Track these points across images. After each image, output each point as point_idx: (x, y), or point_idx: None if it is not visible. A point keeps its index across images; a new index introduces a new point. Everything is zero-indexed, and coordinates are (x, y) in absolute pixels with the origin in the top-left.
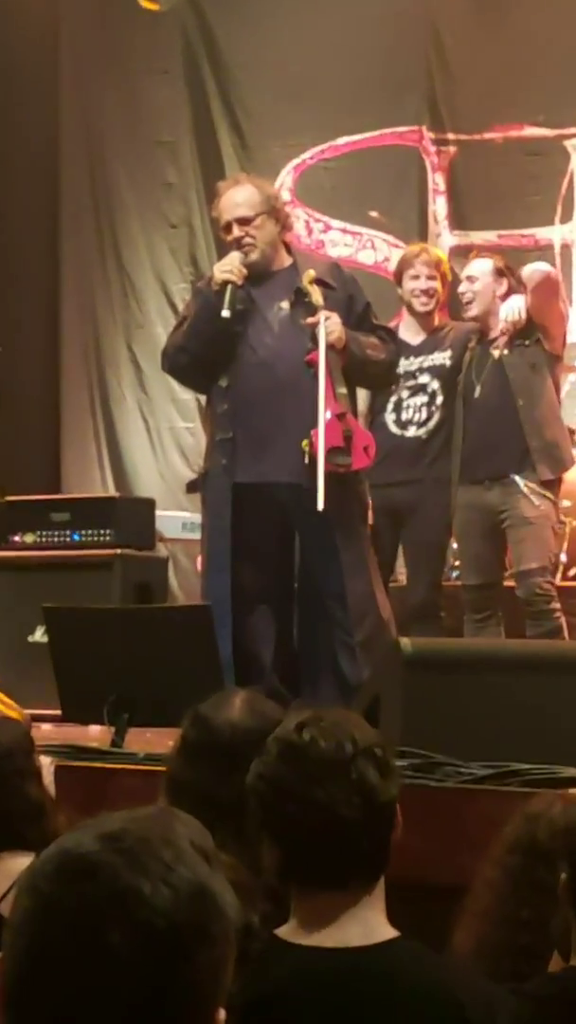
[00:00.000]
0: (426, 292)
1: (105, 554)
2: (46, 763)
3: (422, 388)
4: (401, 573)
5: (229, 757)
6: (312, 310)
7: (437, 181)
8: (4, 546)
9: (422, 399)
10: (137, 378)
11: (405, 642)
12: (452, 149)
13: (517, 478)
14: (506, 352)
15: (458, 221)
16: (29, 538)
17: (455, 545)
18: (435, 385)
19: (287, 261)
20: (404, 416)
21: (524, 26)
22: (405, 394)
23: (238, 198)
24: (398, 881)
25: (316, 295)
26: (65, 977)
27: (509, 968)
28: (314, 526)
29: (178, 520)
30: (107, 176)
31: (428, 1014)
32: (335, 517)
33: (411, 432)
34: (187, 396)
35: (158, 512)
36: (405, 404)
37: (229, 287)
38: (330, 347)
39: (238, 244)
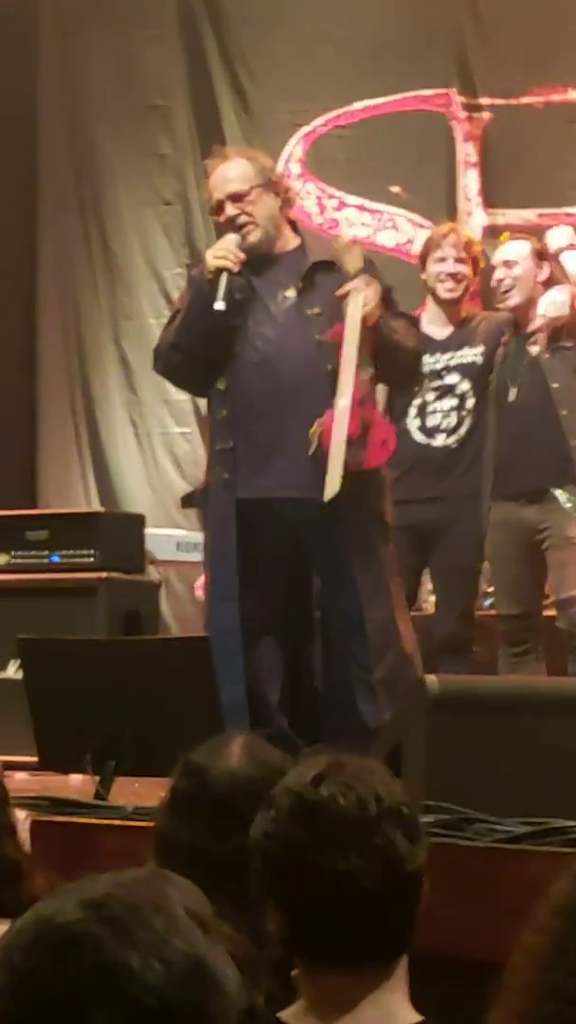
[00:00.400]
0: (453, 276)
1: (88, 578)
2: (21, 817)
3: (450, 389)
4: (427, 601)
5: (227, 811)
6: (331, 293)
7: (468, 152)
8: None
9: (451, 402)
10: (125, 377)
11: (431, 680)
12: (485, 115)
13: (558, 493)
14: (546, 355)
15: (492, 198)
16: (1, 559)
17: (487, 568)
18: (465, 386)
19: (293, 242)
20: (430, 422)
21: None
22: (431, 397)
23: (229, 173)
24: (423, 955)
25: (353, 259)
26: None
27: None
28: (327, 546)
29: (172, 539)
30: (91, 146)
31: None
32: (351, 535)
33: (439, 441)
34: (182, 397)
35: (148, 530)
36: (431, 408)
37: (224, 275)
38: (362, 320)
39: (233, 224)
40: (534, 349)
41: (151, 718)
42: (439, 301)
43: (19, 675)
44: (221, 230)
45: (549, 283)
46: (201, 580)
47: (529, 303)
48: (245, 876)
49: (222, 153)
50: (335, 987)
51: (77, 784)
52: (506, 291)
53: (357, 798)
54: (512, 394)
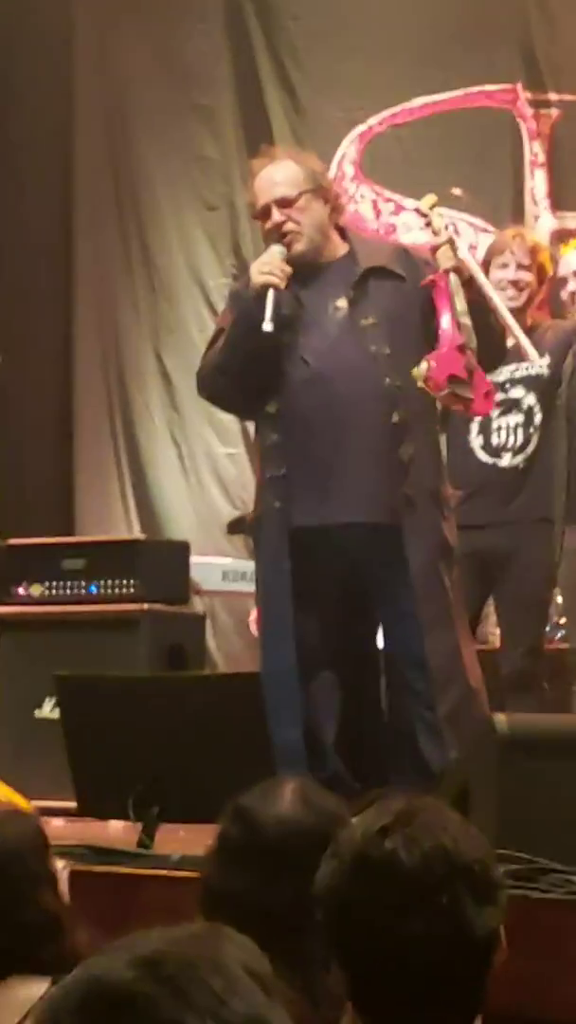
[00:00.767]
0: (515, 284)
1: (129, 610)
2: (59, 867)
3: (515, 404)
4: (492, 634)
5: (279, 860)
6: (385, 301)
7: (535, 151)
8: (6, 600)
9: (516, 418)
10: (167, 394)
11: (500, 719)
12: (554, 112)
13: None
14: None
15: (561, 200)
16: (36, 590)
17: (559, 599)
18: (531, 400)
19: (342, 249)
20: (496, 440)
21: None
22: (495, 412)
23: (276, 176)
24: (494, 1014)
25: (437, 218)
26: None
27: None
28: (389, 573)
29: (218, 568)
30: (130, 147)
31: None
32: (416, 560)
33: (505, 461)
34: (228, 416)
35: (193, 558)
36: (496, 425)
37: (270, 293)
38: (454, 270)
39: (279, 232)
40: None
41: (197, 760)
42: None
43: (56, 714)
44: (266, 236)
45: None
46: (255, 614)
47: None
48: (299, 930)
49: (270, 153)
50: None
51: (118, 831)
52: None
53: (422, 855)
54: None
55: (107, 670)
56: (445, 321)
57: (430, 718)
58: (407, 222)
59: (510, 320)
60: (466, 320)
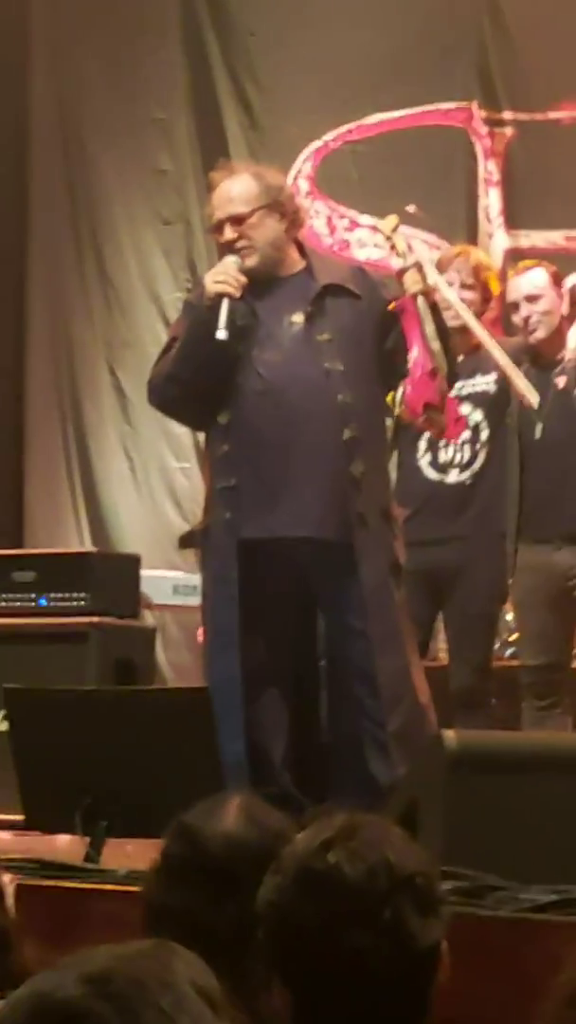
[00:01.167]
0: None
1: (78, 623)
2: (5, 881)
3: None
4: (442, 651)
5: (222, 877)
6: (342, 318)
7: (490, 169)
8: None
9: (464, 435)
10: (121, 407)
11: (449, 735)
12: (508, 131)
13: None
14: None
15: (515, 219)
16: None
17: (509, 616)
18: (478, 416)
19: (299, 264)
20: (442, 457)
21: None
22: None
23: (231, 191)
24: None
25: (400, 241)
26: None
27: None
28: (338, 589)
29: (169, 582)
30: (86, 161)
31: None
32: (366, 577)
33: (452, 477)
34: (181, 430)
35: (144, 572)
36: (443, 442)
37: (225, 301)
38: (422, 294)
39: (230, 248)
40: (561, 381)
41: (146, 775)
42: None
43: (4, 727)
44: (220, 251)
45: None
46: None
47: (554, 333)
48: (242, 948)
49: (229, 167)
50: None
51: (66, 845)
52: (533, 329)
53: (366, 868)
54: (538, 430)
55: (56, 683)
56: (415, 347)
57: (379, 734)
58: (361, 238)
59: (489, 342)
60: (435, 345)
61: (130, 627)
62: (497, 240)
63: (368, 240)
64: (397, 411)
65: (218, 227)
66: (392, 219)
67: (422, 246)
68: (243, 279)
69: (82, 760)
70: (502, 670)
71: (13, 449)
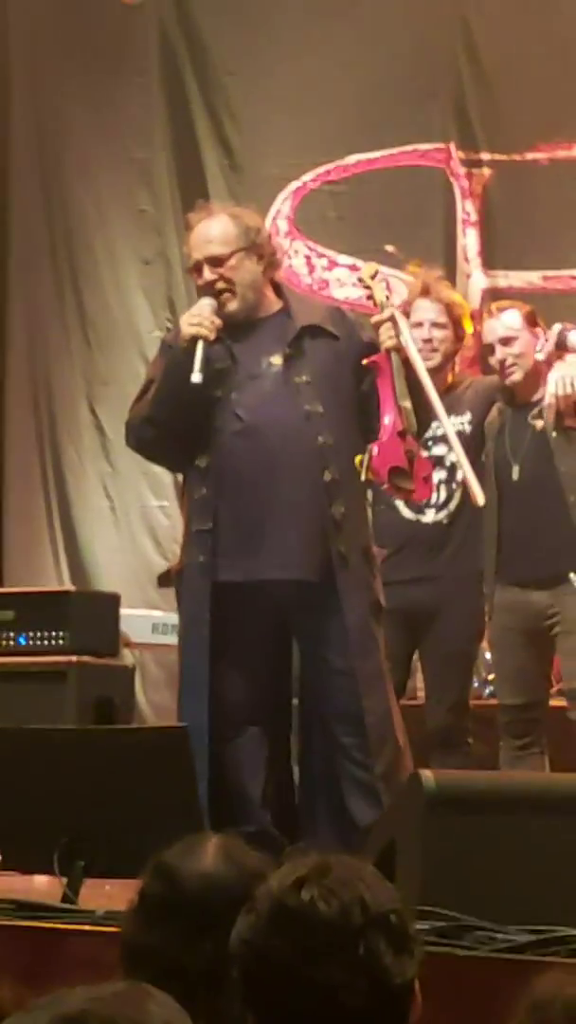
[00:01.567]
0: (429, 343)
1: (57, 661)
2: None
3: (438, 461)
4: (420, 689)
5: (199, 917)
6: (321, 359)
7: (468, 210)
8: None
9: (439, 475)
10: (101, 446)
11: (427, 775)
12: (486, 171)
13: (573, 576)
14: (554, 434)
15: (493, 259)
16: None
17: (487, 655)
18: (453, 457)
19: (276, 305)
20: None
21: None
22: None
23: (210, 233)
24: None
25: (379, 291)
26: None
27: None
28: (320, 631)
29: (148, 620)
30: (66, 199)
31: None
32: (351, 618)
33: (429, 517)
34: (161, 468)
35: (123, 610)
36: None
37: (200, 344)
38: (395, 349)
39: (210, 290)
40: (538, 424)
41: (124, 815)
42: None
43: None
44: (199, 292)
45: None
46: None
47: (530, 374)
48: (220, 988)
49: (206, 208)
50: None
51: (43, 885)
52: (510, 372)
53: (340, 905)
54: (515, 472)
55: (35, 722)
56: (386, 408)
57: (361, 775)
58: (340, 277)
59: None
60: (406, 403)
61: (109, 666)
62: (475, 280)
63: (347, 279)
64: (364, 476)
65: (196, 268)
66: (371, 267)
67: (401, 286)
68: (218, 322)
69: (60, 800)
70: (480, 709)
71: None
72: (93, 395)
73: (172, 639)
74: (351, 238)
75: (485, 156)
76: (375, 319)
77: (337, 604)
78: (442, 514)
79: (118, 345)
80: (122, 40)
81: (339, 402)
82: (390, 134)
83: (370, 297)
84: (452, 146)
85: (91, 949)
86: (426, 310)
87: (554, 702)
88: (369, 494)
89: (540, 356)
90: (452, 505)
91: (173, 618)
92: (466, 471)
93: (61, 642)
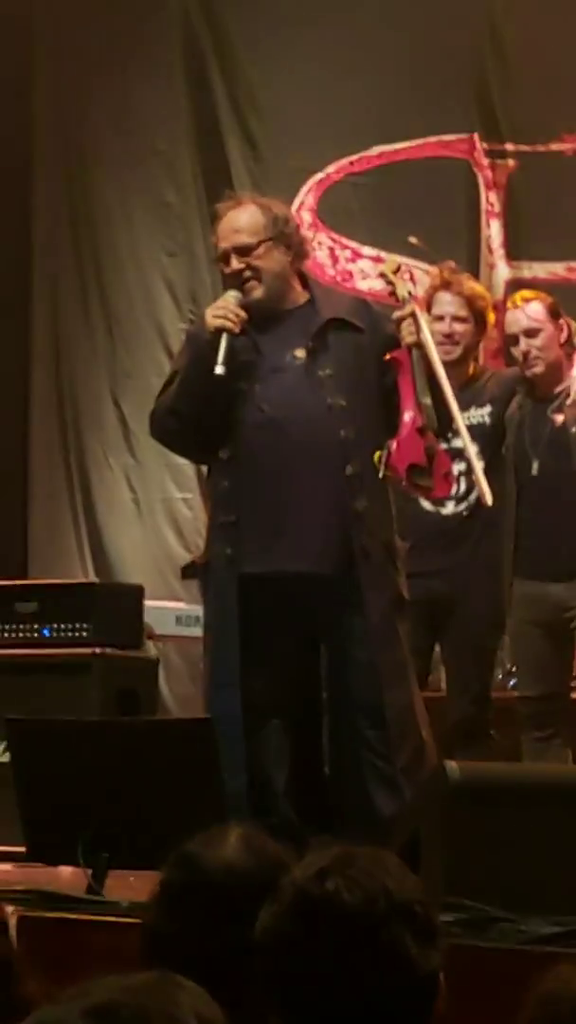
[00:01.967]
0: (450, 337)
1: (81, 654)
2: (7, 913)
3: (458, 453)
4: (441, 681)
5: (221, 905)
6: (344, 353)
7: (492, 201)
8: None
9: (459, 466)
10: (124, 439)
11: (451, 767)
12: (511, 162)
13: None
14: (574, 430)
15: (516, 250)
16: None
17: (510, 646)
18: (473, 448)
19: (303, 298)
20: None
21: None
22: None
23: (238, 222)
24: None
25: (401, 287)
26: None
27: None
28: (343, 624)
29: (172, 613)
30: (89, 193)
31: None
32: (372, 611)
33: (449, 508)
34: (184, 461)
35: (147, 602)
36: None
37: (224, 336)
38: (416, 346)
39: (237, 279)
40: (558, 418)
41: (148, 806)
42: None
43: (6, 758)
44: (225, 281)
45: (568, 343)
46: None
47: (552, 367)
48: (238, 978)
49: (235, 198)
50: None
51: (68, 877)
52: (532, 365)
53: (364, 895)
54: (535, 467)
55: (59, 714)
56: (406, 404)
57: (385, 768)
58: (364, 269)
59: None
60: (426, 400)
61: (133, 658)
62: (499, 271)
63: (371, 271)
64: (382, 473)
65: (224, 257)
66: (393, 262)
67: (425, 278)
68: (243, 314)
69: (85, 791)
70: (502, 701)
71: (17, 480)
72: (117, 388)
73: (196, 631)
74: (374, 229)
75: (509, 147)
76: (396, 315)
77: (359, 598)
78: (462, 506)
79: (142, 338)
80: (146, 32)
81: (362, 396)
82: (414, 125)
83: (392, 293)
84: (476, 137)
85: (116, 940)
86: (447, 303)
87: (575, 694)
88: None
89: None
90: (472, 497)
91: (196, 610)
92: (476, 470)
93: (85, 634)
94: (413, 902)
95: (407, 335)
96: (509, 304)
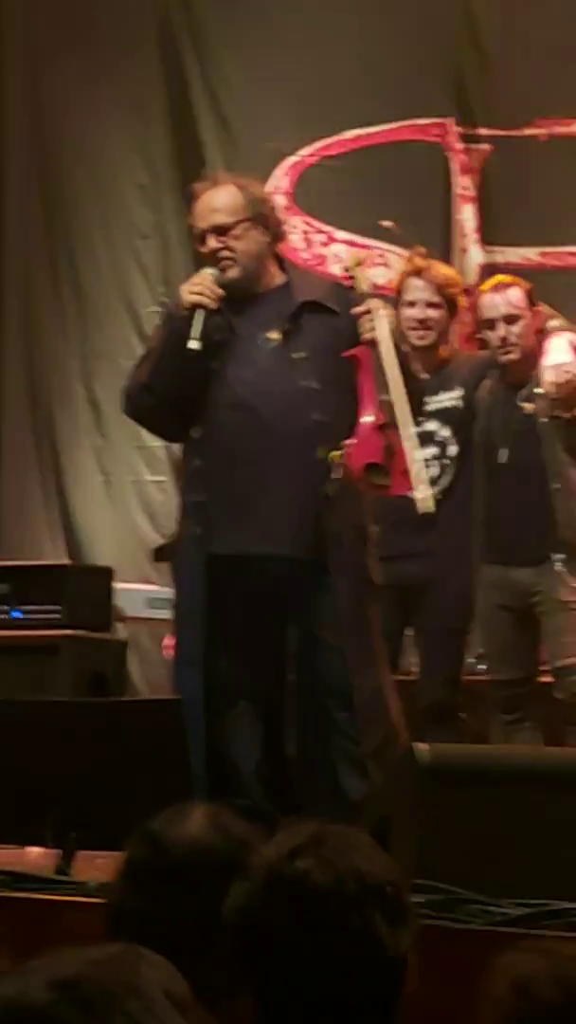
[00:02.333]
0: (423, 323)
1: (51, 635)
2: None
3: (429, 437)
4: (413, 665)
5: (183, 881)
6: (319, 336)
7: (465, 185)
8: None
9: (431, 450)
10: (95, 420)
11: (421, 749)
12: (485, 147)
13: (555, 557)
14: (543, 419)
15: (490, 235)
16: None
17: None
18: (445, 432)
19: (279, 279)
20: None
21: None
22: None
23: (216, 202)
24: None
25: (363, 281)
26: None
27: None
28: (311, 607)
29: (142, 595)
30: (62, 173)
31: None
32: (340, 594)
33: (420, 493)
34: (156, 443)
35: (117, 585)
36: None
37: (199, 312)
38: (376, 343)
39: (214, 258)
40: (528, 407)
41: (117, 788)
42: (411, 347)
43: None
44: (202, 262)
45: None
46: (166, 640)
47: (527, 354)
48: (202, 955)
49: (212, 178)
50: None
51: (36, 857)
52: (508, 352)
53: (335, 875)
54: (503, 455)
55: (28, 695)
56: (365, 401)
57: (351, 750)
58: (338, 253)
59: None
60: (386, 396)
61: (102, 640)
62: (472, 255)
63: (345, 255)
64: (334, 473)
65: (200, 237)
66: (355, 256)
67: (397, 260)
68: (219, 291)
69: (53, 772)
70: (472, 684)
71: None
72: (88, 370)
73: (166, 613)
74: (349, 213)
75: (483, 131)
76: (355, 310)
77: (329, 581)
78: (434, 490)
79: (113, 320)
80: (120, 14)
81: (336, 379)
82: (388, 109)
83: (352, 288)
84: (450, 121)
85: (85, 920)
86: (420, 289)
87: (544, 678)
88: None
89: None
90: (444, 481)
91: (167, 592)
92: (414, 472)
93: (55, 616)
94: (384, 883)
95: (365, 331)
96: (483, 288)
